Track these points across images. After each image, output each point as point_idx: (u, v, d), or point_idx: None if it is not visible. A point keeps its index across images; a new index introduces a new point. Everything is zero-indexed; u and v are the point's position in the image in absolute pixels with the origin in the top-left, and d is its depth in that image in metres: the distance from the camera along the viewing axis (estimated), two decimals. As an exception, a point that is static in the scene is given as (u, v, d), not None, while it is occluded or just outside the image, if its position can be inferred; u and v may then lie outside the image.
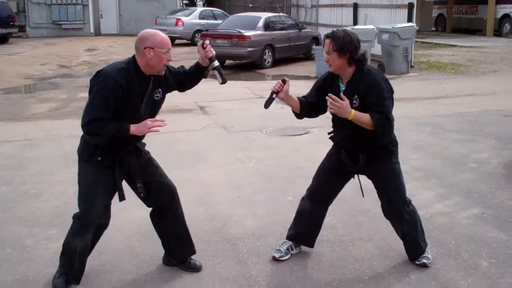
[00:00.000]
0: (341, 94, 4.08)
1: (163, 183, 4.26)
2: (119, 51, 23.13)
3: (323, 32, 21.30)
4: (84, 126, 3.83)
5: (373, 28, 15.75)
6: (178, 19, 25.44)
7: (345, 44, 4.10)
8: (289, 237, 4.74)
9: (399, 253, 4.67)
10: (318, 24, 22.95)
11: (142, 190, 4.12)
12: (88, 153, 3.99)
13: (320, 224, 4.71)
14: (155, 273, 4.41)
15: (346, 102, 4.00)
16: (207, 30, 19.61)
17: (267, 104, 4.34)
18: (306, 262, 4.56)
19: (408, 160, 7.38)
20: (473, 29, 29.01)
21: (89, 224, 4.08)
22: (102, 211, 4.08)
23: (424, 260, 4.47)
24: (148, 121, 3.89)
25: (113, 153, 3.99)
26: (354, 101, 4.13)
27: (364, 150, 4.34)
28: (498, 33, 26.95)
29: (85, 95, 12.79)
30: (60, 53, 22.26)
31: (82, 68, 18.38)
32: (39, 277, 4.34)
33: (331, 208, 5.68)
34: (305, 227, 4.68)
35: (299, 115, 4.57)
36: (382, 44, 15.91)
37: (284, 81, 4.31)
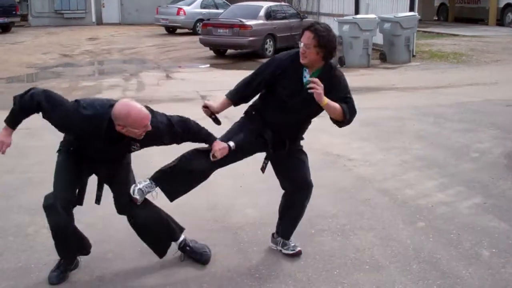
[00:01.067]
0: (315, 79, 4.02)
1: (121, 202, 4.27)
2: (121, 40, 23.11)
3: (324, 21, 21.20)
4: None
5: (375, 17, 15.70)
6: (180, 9, 25.35)
7: (327, 43, 4.09)
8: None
9: (400, 243, 4.68)
10: (319, 14, 22.84)
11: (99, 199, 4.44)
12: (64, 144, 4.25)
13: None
14: (156, 261, 4.41)
15: (322, 88, 4.00)
16: (208, 19, 19.56)
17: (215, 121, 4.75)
18: (307, 251, 4.57)
19: (410, 149, 7.38)
20: (476, 19, 28.89)
21: (51, 208, 4.22)
22: None
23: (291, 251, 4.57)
24: None
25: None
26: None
27: (293, 138, 4.48)
28: (500, 22, 26.84)
29: (87, 84, 12.75)
30: (62, 42, 22.23)
31: (84, 57, 18.36)
32: (40, 265, 4.36)
33: (331, 197, 5.72)
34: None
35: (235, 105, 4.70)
36: (384, 33, 15.87)
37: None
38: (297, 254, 4.53)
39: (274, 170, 4.66)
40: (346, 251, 4.57)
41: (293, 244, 4.60)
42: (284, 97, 4.28)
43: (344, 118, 4.27)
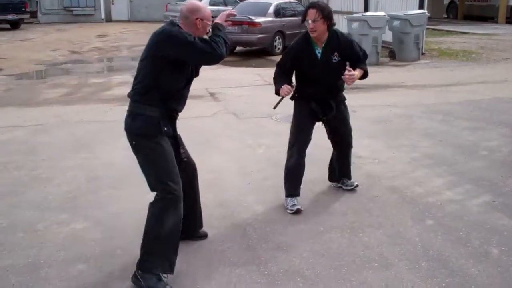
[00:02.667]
0: (347, 67, 5.00)
1: (189, 161, 4.41)
2: (130, 37, 23.16)
3: (334, 18, 21.12)
4: (208, 51, 3.82)
5: (384, 15, 15.65)
6: (189, 6, 25.32)
7: (329, 13, 5.08)
8: (294, 194, 5.38)
9: (409, 241, 4.67)
10: (329, 11, 22.78)
11: (185, 155, 4.32)
12: (155, 126, 3.92)
13: None
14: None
15: (354, 72, 5.01)
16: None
17: (276, 106, 5.17)
18: (316, 248, 4.57)
19: (419, 147, 7.37)
20: (485, 16, 28.78)
21: (180, 196, 4.03)
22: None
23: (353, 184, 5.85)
24: (226, 13, 4.18)
25: (171, 122, 4.07)
26: (334, 57, 5.16)
27: (334, 96, 5.39)
28: (510, 20, 26.72)
29: (96, 80, 12.81)
30: (71, 39, 22.31)
31: (92, 54, 18.42)
32: (50, 261, 4.38)
33: (341, 195, 5.72)
34: (301, 181, 5.42)
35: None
36: (393, 31, 15.84)
37: (292, 87, 5.08)
38: (355, 187, 5.82)
39: (327, 130, 5.65)
40: (355, 249, 4.57)
41: (353, 182, 5.86)
42: (308, 71, 5.21)
43: (366, 74, 5.36)
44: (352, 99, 10.26)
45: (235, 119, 8.97)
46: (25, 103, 10.52)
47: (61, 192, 5.87)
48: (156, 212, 3.95)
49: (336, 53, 5.17)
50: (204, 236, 4.74)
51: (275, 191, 5.76)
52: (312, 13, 5.04)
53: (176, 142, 4.20)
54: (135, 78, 4.00)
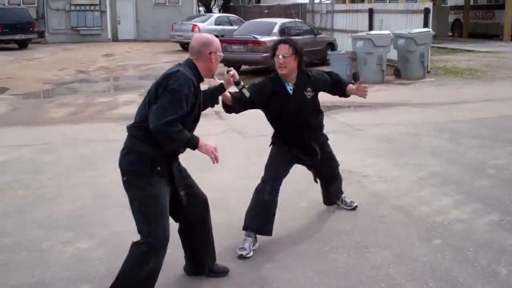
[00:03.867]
0: (361, 90, 5.09)
1: (199, 196, 4.26)
2: (136, 56, 23.28)
3: (338, 37, 21.27)
4: (163, 125, 3.56)
5: (389, 34, 15.70)
6: (195, 25, 25.53)
7: (300, 49, 4.92)
8: (253, 229, 4.94)
9: (416, 260, 4.64)
10: (333, 30, 22.91)
11: (186, 198, 4.06)
12: (148, 165, 3.73)
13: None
14: (171, 277, 4.40)
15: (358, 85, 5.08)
16: (223, 36, 19.65)
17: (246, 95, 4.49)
18: (321, 268, 4.54)
19: (426, 166, 7.33)
20: (490, 34, 28.83)
21: (166, 244, 3.79)
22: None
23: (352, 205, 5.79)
24: (215, 146, 3.88)
25: (168, 161, 3.86)
26: (308, 93, 5.00)
27: (316, 138, 5.27)
28: (515, 38, 26.76)
29: (103, 99, 12.85)
30: (78, 59, 22.43)
31: (99, 73, 18.51)
32: (55, 281, 4.36)
33: (346, 214, 5.70)
34: (269, 216, 4.97)
35: (229, 109, 4.83)
36: (398, 49, 15.86)
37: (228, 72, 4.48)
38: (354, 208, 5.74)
39: (313, 172, 5.56)
40: (361, 269, 4.53)
41: (349, 200, 5.80)
42: (280, 110, 4.97)
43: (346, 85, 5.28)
44: (357, 118, 10.32)
45: (240, 137, 8.97)
46: (31, 122, 10.56)
47: (67, 211, 5.86)
48: (136, 255, 3.75)
49: (309, 89, 5.02)
50: (224, 272, 4.46)
51: (280, 210, 5.73)
52: (283, 48, 4.88)
53: (174, 183, 3.94)
54: (137, 111, 3.89)
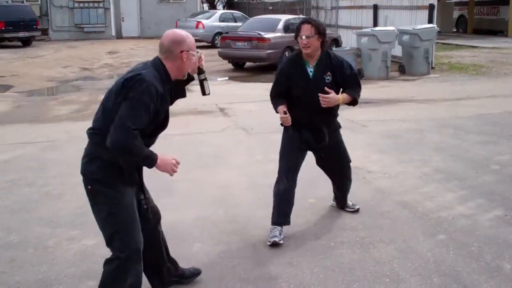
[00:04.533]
0: (325, 88, 4.85)
1: (154, 206, 3.95)
2: (140, 53, 23.29)
3: (343, 34, 21.25)
4: (121, 138, 3.26)
5: (394, 30, 15.68)
6: (199, 22, 25.55)
7: (323, 29, 4.95)
8: (281, 223, 5.02)
9: (420, 256, 4.64)
10: (338, 26, 22.89)
11: (146, 202, 3.79)
12: (116, 173, 3.46)
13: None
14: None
15: (332, 93, 4.86)
16: (227, 33, 19.66)
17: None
18: (327, 264, 4.55)
19: (430, 161, 7.33)
20: (495, 30, 28.74)
21: (140, 256, 3.57)
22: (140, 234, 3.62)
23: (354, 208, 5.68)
24: (173, 162, 3.50)
25: (136, 168, 3.61)
26: (327, 77, 4.94)
27: (327, 123, 5.16)
28: (520, 33, 26.67)
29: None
30: (82, 56, 22.46)
31: (103, 70, 18.54)
32: (60, 277, 4.38)
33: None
34: (289, 207, 5.07)
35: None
36: (403, 45, 15.84)
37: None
38: (357, 211, 5.62)
39: (320, 162, 5.45)
40: (366, 264, 4.54)
41: (351, 203, 5.70)
42: (299, 92, 4.99)
43: (355, 102, 5.10)
44: (362, 114, 10.31)
45: (244, 134, 8.98)
46: (36, 120, 10.58)
47: (72, 208, 5.88)
48: (111, 273, 3.53)
49: (328, 73, 4.96)
50: (197, 274, 4.29)
51: (285, 207, 5.75)
52: (306, 28, 4.88)
53: (143, 190, 3.73)
54: (96, 116, 3.58)
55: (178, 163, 3.53)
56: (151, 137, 3.58)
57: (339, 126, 5.33)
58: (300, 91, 4.97)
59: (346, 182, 5.54)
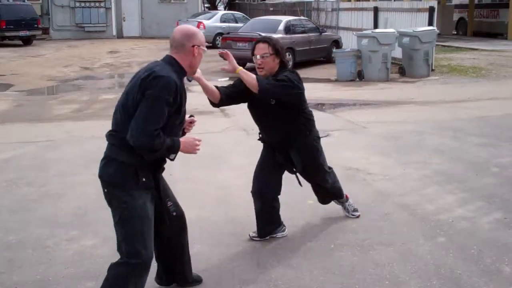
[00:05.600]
0: (223, 52, 4.54)
1: (180, 209, 3.98)
2: (141, 53, 23.28)
3: (343, 35, 21.26)
4: (144, 137, 3.27)
5: (394, 32, 15.68)
6: (200, 22, 25.53)
7: (281, 48, 4.60)
8: (260, 236, 5.02)
9: (420, 258, 4.64)
10: (338, 28, 22.88)
11: (174, 208, 3.85)
12: (132, 177, 3.42)
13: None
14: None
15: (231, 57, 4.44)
16: (228, 33, 19.66)
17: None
18: (326, 266, 4.54)
19: (430, 164, 7.33)
20: (495, 33, 28.71)
21: (148, 265, 3.54)
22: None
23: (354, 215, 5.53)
24: (195, 141, 3.57)
25: (153, 171, 3.56)
26: (272, 100, 4.55)
27: (292, 144, 4.80)
28: (520, 36, 26.65)
29: (108, 96, 12.83)
30: (83, 55, 22.45)
31: (104, 70, 18.53)
32: (59, 278, 4.37)
33: (351, 212, 5.68)
34: (269, 225, 5.04)
35: (215, 104, 4.71)
36: (403, 47, 15.84)
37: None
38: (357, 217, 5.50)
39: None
40: (366, 266, 4.54)
41: (352, 209, 5.56)
42: (252, 111, 4.80)
43: (259, 87, 4.40)
44: (362, 115, 10.31)
45: (245, 135, 8.97)
46: (36, 119, 10.58)
47: (71, 208, 5.87)
48: (115, 277, 3.48)
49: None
50: (198, 281, 4.25)
51: (285, 208, 5.73)
52: (262, 47, 4.57)
53: (160, 194, 3.65)
54: (114, 118, 3.56)
55: (199, 141, 3.58)
56: (175, 134, 3.57)
57: (314, 140, 4.95)
58: (253, 110, 4.78)
59: (324, 186, 5.23)
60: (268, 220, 5.00)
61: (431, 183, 6.60)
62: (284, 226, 5.14)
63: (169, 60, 3.57)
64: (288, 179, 6.15)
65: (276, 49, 4.57)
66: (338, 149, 7.99)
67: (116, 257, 4.46)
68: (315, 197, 5.56)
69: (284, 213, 5.61)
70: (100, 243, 4.99)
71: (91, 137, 8.65)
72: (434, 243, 4.94)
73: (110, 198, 3.50)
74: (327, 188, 5.24)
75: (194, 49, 3.57)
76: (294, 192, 5.44)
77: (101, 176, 3.52)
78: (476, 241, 4.98)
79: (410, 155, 7.77)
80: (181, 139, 3.52)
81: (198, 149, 3.59)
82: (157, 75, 3.36)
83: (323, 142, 7.60)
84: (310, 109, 4.99)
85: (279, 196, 5.03)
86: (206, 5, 40.60)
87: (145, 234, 3.47)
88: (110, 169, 3.46)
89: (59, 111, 11.41)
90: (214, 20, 26.34)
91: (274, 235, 5.06)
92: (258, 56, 4.57)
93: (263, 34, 17.05)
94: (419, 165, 7.27)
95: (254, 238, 5.02)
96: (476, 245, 4.89)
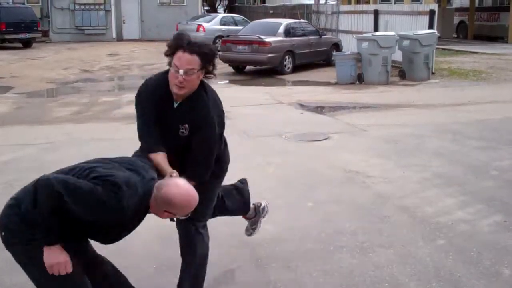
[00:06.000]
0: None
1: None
2: (141, 56, 23.31)
3: (343, 38, 21.27)
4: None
5: (394, 35, 15.70)
6: (199, 25, 25.57)
7: (209, 59, 3.50)
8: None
9: (420, 261, 4.64)
10: (338, 31, 22.89)
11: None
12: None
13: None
14: (174, 277, 4.40)
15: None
16: (228, 36, 19.69)
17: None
18: (326, 268, 4.54)
19: (429, 166, 7.33)
20: (495, 36, 28.75)
21: None
22: None
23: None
24: (65, 261, 3.01)
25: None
26: (183, 130, 3.53)
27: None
28: (520, 40, 26.69)
29: (107, 99, 12.83)
30: (83, 58, 22.47)
31: (104, 72, 18.54)
32: (59, 279, 4.36)
33: (350, 214, 5.69)
34: None
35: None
36: (403, 50, 15.85)
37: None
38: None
39: None
40: (365, 269, 4.54)
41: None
42: (161, 129, 3.59)
43: (197, 180, 3.43)
44: (362, 118, 10.31)
45: (245, 137, 8.97)
46: (36, 121, 10.58)
47: (71, 210, 5.86)
48: None
49: (186, 126, 3.52)
50: None
51: (285, 211, 5.75)
52: (188, 60, 3.37)
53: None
54: None
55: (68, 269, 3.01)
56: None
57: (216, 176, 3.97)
58: (162, 128, 3.59)
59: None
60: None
61: (431, 185, 6.60)
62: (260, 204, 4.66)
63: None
64: (288, 180, 6.17)
65: (206, 60, 3.46)
66: (338, 152, 7.99)
67: (116, 256, 4.46)
68: (314, 200, 5.58)
69: (281, 215, 5.63)
70: (98, 244, 4.98)
71: (91, 139, 8.65)
72: (434, 246, 4.94)
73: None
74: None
75: (165, 213, 3.14)
76: (293, 195, 5.44)
77: None
78: (476, 243, 4.98)
79: (410, 158, 7.77)
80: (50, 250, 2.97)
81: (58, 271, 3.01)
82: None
83: (322, 145, 7.63)
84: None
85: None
86: (205, 8, 40.59)
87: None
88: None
89: (58, 114, 11.41)
90: (214, 23, 26.37)
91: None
92: (181, 72, 3.35)
93: (263, 37, 17.26)
94: (419, 168, 7.28)
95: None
96: (475, 247, 4.90)
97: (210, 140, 3.57)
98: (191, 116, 3.49)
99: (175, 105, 3.54)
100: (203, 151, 3.56)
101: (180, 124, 3.50)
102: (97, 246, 4.81)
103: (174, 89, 3.44)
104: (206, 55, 3.43)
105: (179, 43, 3.42)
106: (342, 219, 5.56)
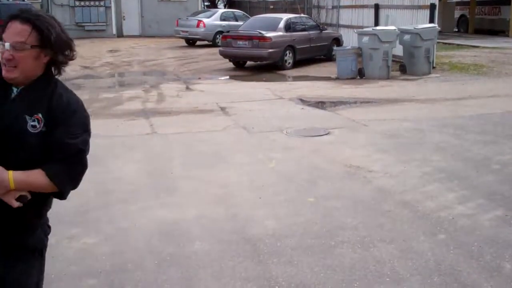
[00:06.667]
0: None
1: None
2: (141, 52, 23.28)
3: (344, 33, 21.24)
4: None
5: (395, 29, 15.67)
6: (200, 21, 25.53)
7: (54, 39, 2.54)
8: None
9: (421, 255, 4.64)
10: (339, 25, 22.86)
11: None
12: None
13: None
14: (175, 272, 4.42)
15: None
16: (228, 32, 19.66)
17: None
18: (327, 263, 4.55)
19: (430, 161, 7.33)
20: (496, 30, 28.70)
21: None
22: None
23: None
24: None
25: None
26: (35, 124, 2.56)
27: (17, 229, 2.74)
28: (521, 34, 26.66)
29: (108, 95, 12.85)
30: (83, 54, 22.43)
31: (104, 69, 18.53)
32: (61, 275, 4.38)
33: (352, 209, 5.69)
34: None
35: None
36: (404, 45, 15.82)
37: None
38: None
39: None
40: (367, 263, 4.54)
41: None
42: None
43: (59, 188, 2.86)
44: (363, 113, 10.32)
45: (245, 133, 8.97)
46: (37, 118, 10.57)
47: (72, 206, 5.86)
48: None
49: (39, 117, 2.56)
50: None
51: (286, 206, 5.75)
52: (18, 30, 2.49)
53: None
54: None
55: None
56: None
57: (40, 245, 2.87)
58: None
59: None
60: None
61: (432, 180, 6.60)
62: None
63: None
64: (289, 175, 6.18)
65: (47, 38, 2.51)
66: (339, 147, 8.00)
67: (116, 256, 4.47)
68: (315, 195, 5.58)
69: (283, 210, 5.64)
70: (102, 241, 5.00)
71: (91, 136, 8.65)
72: (435, 240, 4.94)
73: None
74: None
75: None
76: (294, 190, 5.45)
77: None
78: (477, 238, 4.98)
79: (411, 152, 7.77)
80: None
81: None
82: None
83: (323, 140, 7.62)
84: None
85: None
86: (206, 3, 40.55)
87: None
88: None
89: (60, 110, 11.39)
90: (214, 18, 26.32)
91: None
92: (7, 45, 2.46)
93: (263, 32, 17.24)
94: (420, 163, 7.28)
95: None
96: (476, 242, 4.90)
97: (77, 140, 2.83)
98: (45, 101, 2.62)
99: (14, 92, 2.58)
100: (68, 155, 2.77)
101: (29, 113, 2.55)
102: (99, 242, 4.83)
103: (4, 72, 2.51)
104: (46, 31, 2.51)
105: (12, 14, 2.59)
106: (343, 214, 5.56)
